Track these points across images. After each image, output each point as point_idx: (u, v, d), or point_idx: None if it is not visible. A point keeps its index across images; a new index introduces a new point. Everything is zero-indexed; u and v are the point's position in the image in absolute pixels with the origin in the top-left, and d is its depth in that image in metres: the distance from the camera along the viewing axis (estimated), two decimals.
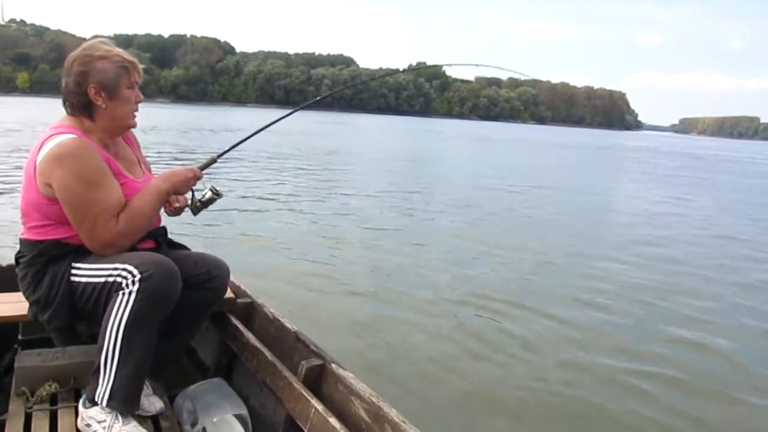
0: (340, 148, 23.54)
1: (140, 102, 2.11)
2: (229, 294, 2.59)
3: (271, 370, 2.25)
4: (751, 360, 4.44)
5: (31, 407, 2.08)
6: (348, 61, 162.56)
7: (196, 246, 2.45)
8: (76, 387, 2.17)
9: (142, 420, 2.04)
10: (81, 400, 2.00)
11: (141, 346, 1.89)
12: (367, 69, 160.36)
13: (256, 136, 2.47)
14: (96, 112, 2.00)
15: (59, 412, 2.08)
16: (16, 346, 2.42)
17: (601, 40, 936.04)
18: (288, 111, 2.73)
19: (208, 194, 2.22)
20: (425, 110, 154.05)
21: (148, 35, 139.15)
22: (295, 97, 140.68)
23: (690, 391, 3.87)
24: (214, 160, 2.30)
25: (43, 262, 1.97)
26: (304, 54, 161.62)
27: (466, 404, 3.47)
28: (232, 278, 2.44)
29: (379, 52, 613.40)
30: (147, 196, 2.04)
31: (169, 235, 2.30)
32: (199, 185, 2.19)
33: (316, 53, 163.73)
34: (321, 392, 2.15)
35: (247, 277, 3.42)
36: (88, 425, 1.95)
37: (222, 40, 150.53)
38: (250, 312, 2.76)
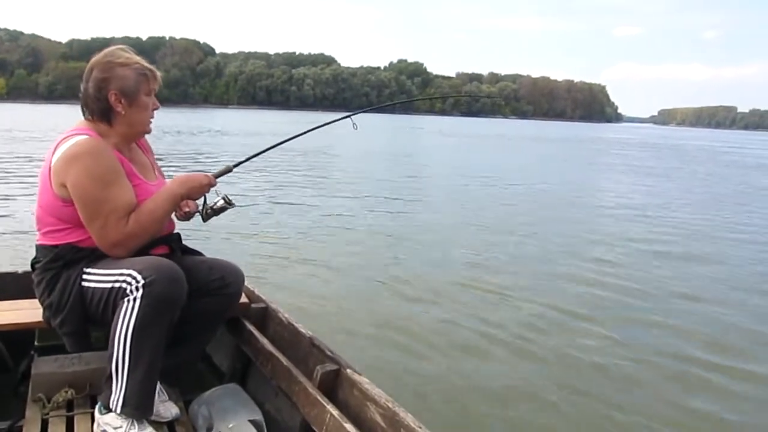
0: (329, 147, 23.47)
1: (157, 109, 2.16)
2: (243, 299, 2.60)
3: (286, 375, 2.25)
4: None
5: (48, 413, 2.08)
6: (329, 60, 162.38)
7: (208, 249, 2.46)
8: (92, 393, 2.17)
9: (158, 426, 2.05)
10: (97, 407, 2.01)
11: (150, 351, 1.90)
12: (349, 68, 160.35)
13: (258, 146, 2.49)
14: (115, 118, 2.04)
15: (75, 418, 2.08)
16: (32, 352, 2.42)
17: (579, 33, 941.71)
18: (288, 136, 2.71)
19: (220, 202, 2.23)
20: (407, 107, 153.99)
21: (126, 38, 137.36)
22: (277, 98, 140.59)
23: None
24: (229, 170, 2.30)
25: (58, 266, 1.99)
26: (284, 54, 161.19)
27: (485, 407, 3.45)
28: (246, 283, 2.45)
29: (360, 51, 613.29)
30: (160, 198, 2.05)
31: (184, 241, 2.30)
32: (211, 192, 2.20)
33: (297, 53, 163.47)
34: (336, 397, 2.14)
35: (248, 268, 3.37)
36: (105, 431, 1.96)
37: (202, 42, 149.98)
38: (265, 317, 2.75)
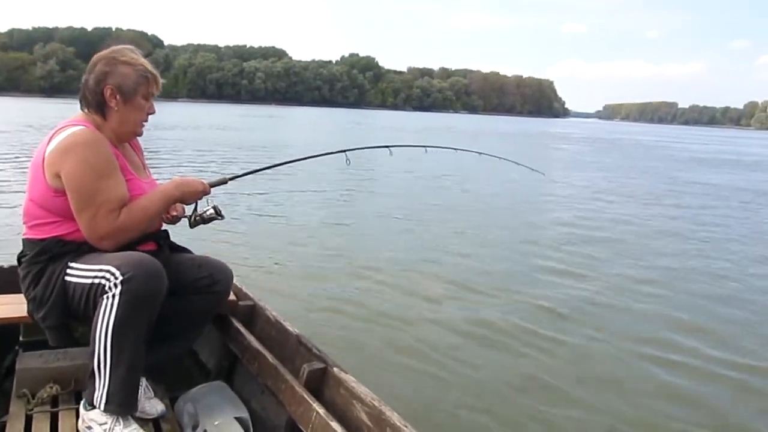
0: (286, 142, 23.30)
1: (152, 114, 2.17)
2: (231, 296, 2.59)
3: (273, 373, 2.25)
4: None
5: (32, 409, 2.08)
6: (280, 54, 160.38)
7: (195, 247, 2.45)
8: (77, 389, 2.18)
9: (143, 422, 2.05)
10: (82, 403, 2.01)
11: (131, 347, 1.90)
12: (300, 61, 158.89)
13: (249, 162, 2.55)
14: (108, 113, 2.06)
15: (60, 414, 2.09)
16: (17, 347, 2.41)
17: (529, 30, 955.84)
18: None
19: (210, 211, 2.25)
20: (359, 102, 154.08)
21: (70, 28, 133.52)
22: (228, 91, 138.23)
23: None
24: (225, 181, 2.33)
25: (44, 260, 1.99)
26: (234, 47, 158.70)
27: (471, 406, 3.46)
28: (234, 281, 2.45)
29: (311, 44, 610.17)
30: (154, 197, 2.07)
31: (172, 239, 2.31)
32: (202, 200, 2.22)
33: (247, 46, 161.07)
34: (323, 395, 2.15)
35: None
36: (89, 428, 1.96)
37: (149, 33, 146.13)
38: (252, 315, 2.75)
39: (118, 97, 2.04)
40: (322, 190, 11.54)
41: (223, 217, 2.27)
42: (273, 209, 9.36)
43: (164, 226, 2.29)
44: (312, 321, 4.41)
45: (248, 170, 2.52)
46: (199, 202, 2.22)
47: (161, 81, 2.17)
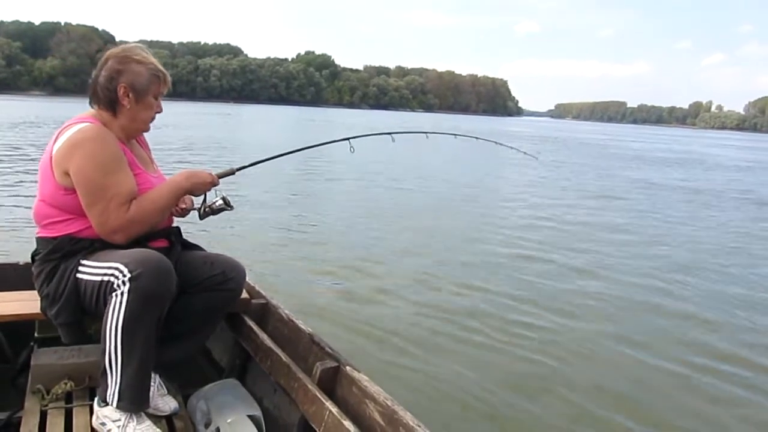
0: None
1: (160, 112, 2.20)
2: (243, 295, 2.58)
3: (285, 371, 2.25)
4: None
5: (47, 405, 2.09)
6: (236, 51, 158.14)
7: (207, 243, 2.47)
8: (91, 385, 2.18)
9: (156, 419, 2.07)
10: (96, 399, 2.02)
11: (141, 345, 1.90)
12: (256, 59, 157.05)
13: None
14: (119, 110, 2.07)
15: (74, 410, 2.09)
16: (32, 343, 2.41)
17: (483, 28, 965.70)
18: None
19: (219, 202, 2.24)
20: (316, 99, 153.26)
21: (16, 22, 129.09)
22: (183, 88, 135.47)
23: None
24: (232, 172, 2.32)
25: (57, 258, 2.00)
26: (188, 43, 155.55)
27: (483, 406, 3.48)
28: (247, 279, 2.45)
29: (267, 42, 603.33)
30: (164, 189, 2.08)
31: (184, 236, 2.32)
32: (210, 192, 2.22)
33: (202, 42, 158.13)
34: (335, 394, 2.15)
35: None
36: (103, 424, 1.98)
37: (100, 29, 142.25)
38: (265, 313, 2.75)
39: (130, 95, 2.06)
40: (325, 182, 11.63)
41: (232, 208, 2.27)
42: (280, 203, 9.38)
43: (175, 222, 2.31)
44: (326, 319, 4.40)
45: (254, 161, 2.49)
46: (207, 193, 2.23)
47: (170, 79, 2.20)
